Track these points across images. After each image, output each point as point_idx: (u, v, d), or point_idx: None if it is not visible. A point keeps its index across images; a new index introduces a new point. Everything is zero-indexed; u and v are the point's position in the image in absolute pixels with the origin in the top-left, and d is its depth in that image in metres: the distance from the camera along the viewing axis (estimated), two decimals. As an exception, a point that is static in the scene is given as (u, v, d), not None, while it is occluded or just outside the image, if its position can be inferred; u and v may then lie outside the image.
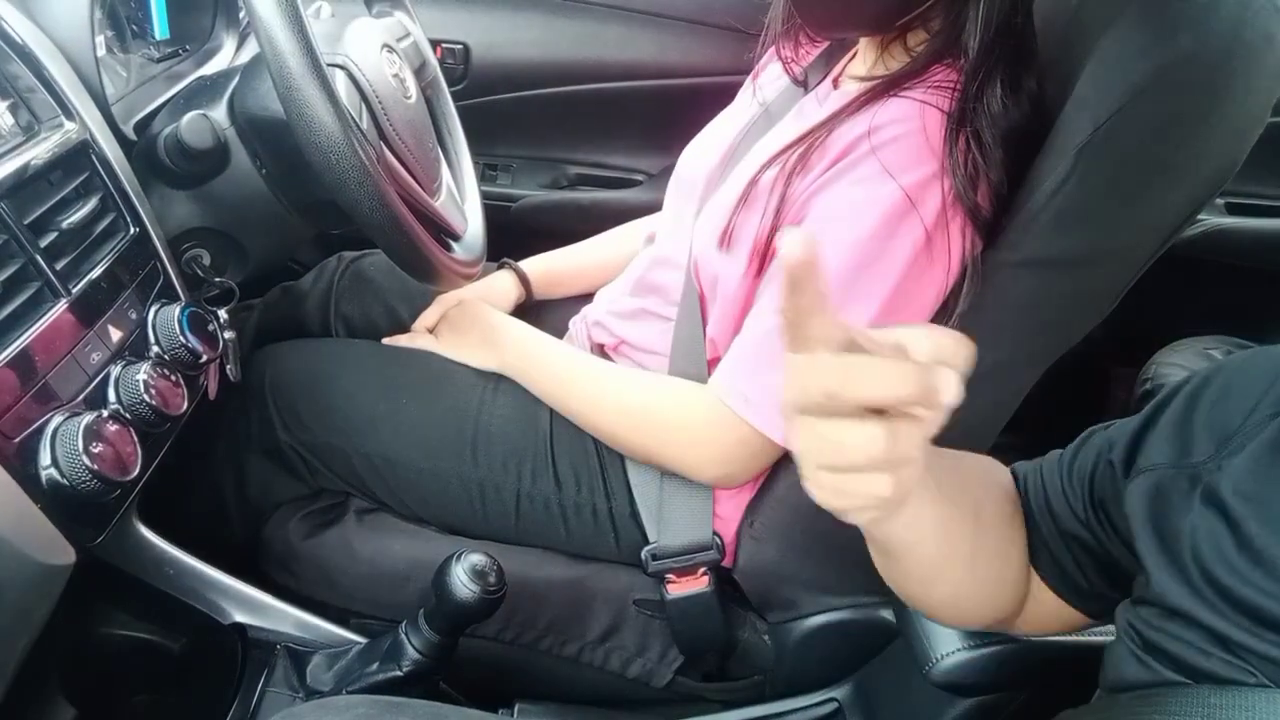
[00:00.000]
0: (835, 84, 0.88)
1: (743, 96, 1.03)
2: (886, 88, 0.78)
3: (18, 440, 0.60)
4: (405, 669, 0.78)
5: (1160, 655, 0.47)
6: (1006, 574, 0.61)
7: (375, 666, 0.80)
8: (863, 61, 0.86)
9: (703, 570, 0.90)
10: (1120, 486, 0.54)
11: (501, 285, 1.12)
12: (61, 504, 0.62)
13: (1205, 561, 0.45)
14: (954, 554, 0.56)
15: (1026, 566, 0.62)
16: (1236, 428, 0.48)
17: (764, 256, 0.81)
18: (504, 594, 0.77)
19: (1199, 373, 0.55)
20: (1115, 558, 0.57)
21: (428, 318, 1.06)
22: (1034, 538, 0.62)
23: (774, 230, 0.80)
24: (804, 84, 0.93)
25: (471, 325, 1.00)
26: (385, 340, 1.05)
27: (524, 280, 1.14)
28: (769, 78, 0.98)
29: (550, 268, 1.16)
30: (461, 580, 0.75)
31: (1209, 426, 0.50)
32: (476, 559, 0.77)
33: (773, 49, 0.99)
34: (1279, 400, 0.48)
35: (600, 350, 1.02)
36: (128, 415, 0.68)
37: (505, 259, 1.16)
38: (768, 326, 0.80)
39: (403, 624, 0.81)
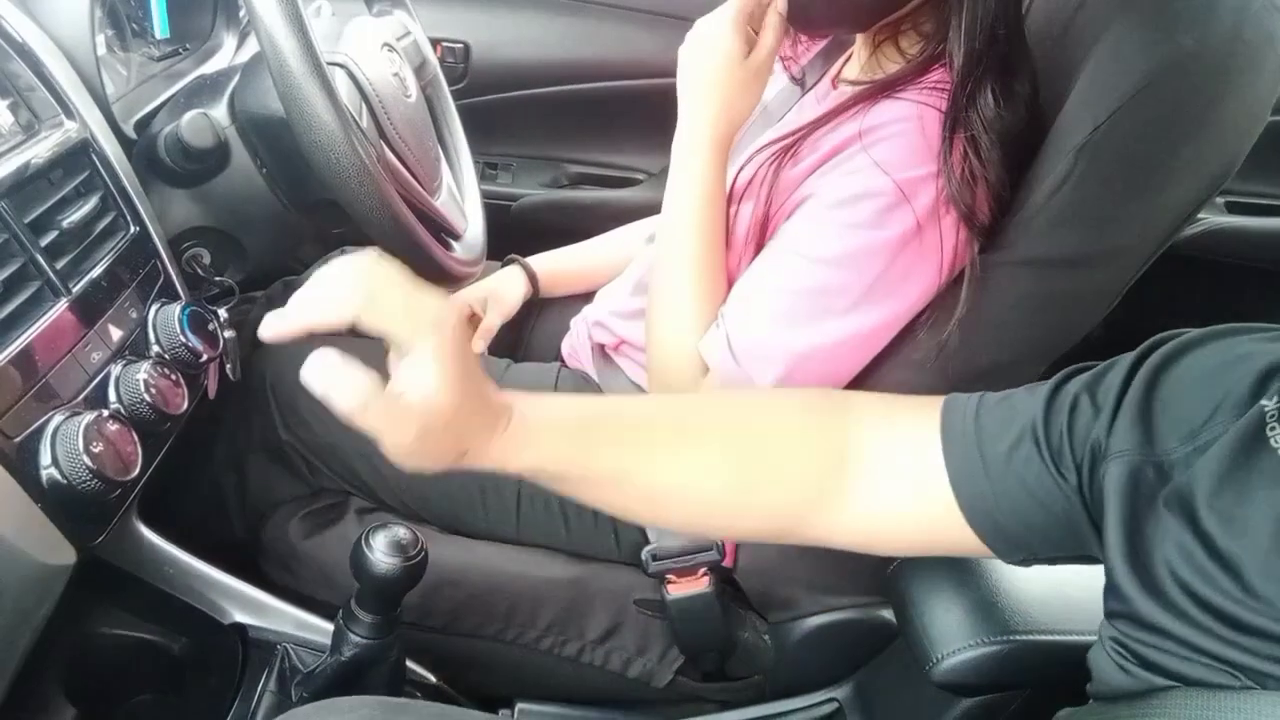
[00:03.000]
0: (834, 84, 0.88)
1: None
2: (880, 90, 0.78)
3: (18, 440, 0.60)
4: (348, 655, 0.78)
5: (1144, 663, 0.47)
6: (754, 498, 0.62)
7: (323, 658, 0.80)
8: (857, 63, 0.87)
9: (703, 570, 0.90)
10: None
11: (511, 281, 1.12)
12: (62, 504, 0.62)
13: (1180, 576, 0.45)
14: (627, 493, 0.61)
15: (815, 483, 0.61)
16: (1202, 423, 0.48)
17: (759, 244, 0.81)
18: (425, 557, 0.76)
19: (1152, 354, 0.53)
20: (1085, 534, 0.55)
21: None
22: (969, 482, 0.58)
23: (766, 216, 0.80)
24: (801, 83, 0.93)
25: None
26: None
27: (532, 277, 1.14)
28: (769, 76, 0.98)
29: (556, 265, 1.16)
30: (380, 556, 0.74)
31: (1171, 418, 0.49)
32: (389, 533, 0.75)
33: None
34: (1243, 400, 0.47)
35: (601, 350, 1.02)
36: (128, 415, 0.68)
37: (513, 255, 1.16)
38: (751, 291, 0.79)
39: (339, 613, 0.80)
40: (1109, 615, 0.50)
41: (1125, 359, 0.55)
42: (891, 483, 0.61)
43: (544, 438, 0.58)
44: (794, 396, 0.68)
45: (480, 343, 1.08)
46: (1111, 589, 0.50)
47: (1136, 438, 0.50)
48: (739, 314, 0.79)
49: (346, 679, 0.78)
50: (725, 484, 0.62)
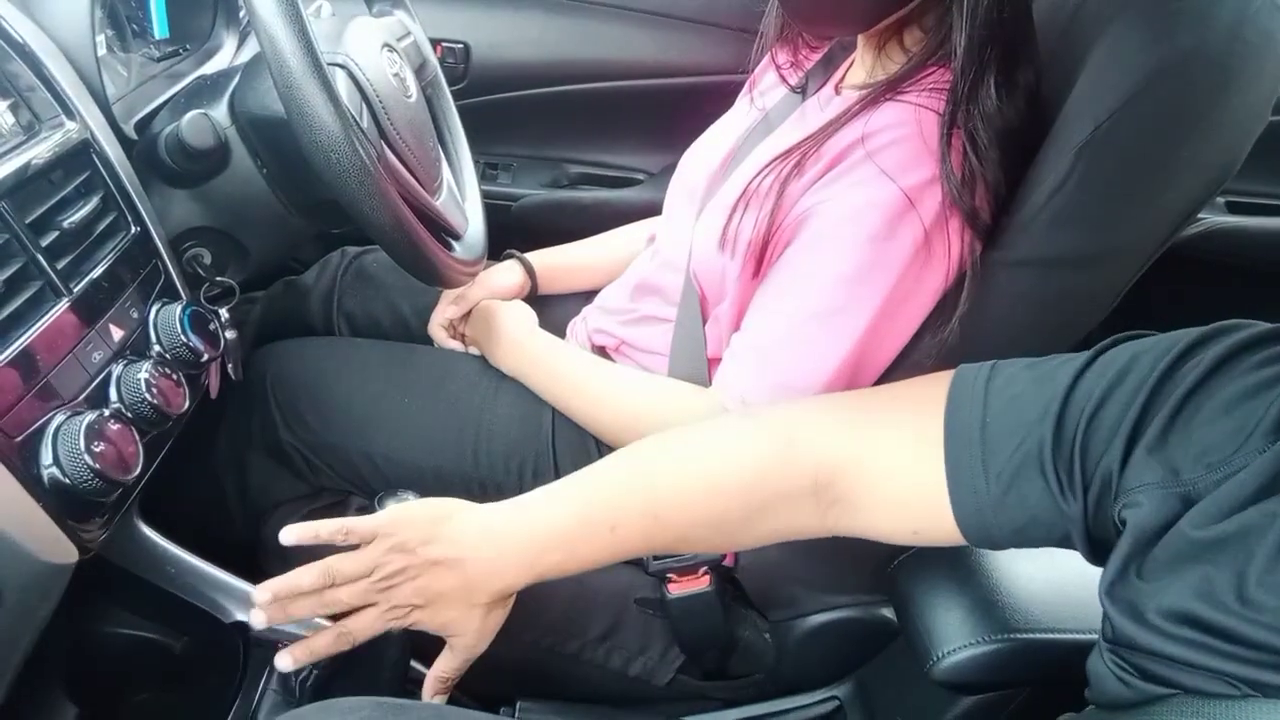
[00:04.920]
0: (837, 90, 0.88)
1: (742, 102, 1.03)
2: (883, 92, 0.78)
3: (19, 439, 0.60)
4: (349, 654, 0.77)
5: (1143, 674, 0.47)
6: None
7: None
8: (861, 66, 0.86)
9: (704, 569, 0.90)
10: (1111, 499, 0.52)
11: (508, 277, 1.12)
12: (63, 503, 0.62)
13: (1184, 603, 0.44)
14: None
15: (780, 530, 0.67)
16: (1233, 451, 0.47)
17: (760, 259, 0.81)
18: None
19: (1194, 354, 0.51)
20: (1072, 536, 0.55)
21: (439, 316, 1.06)
22: (973, 515, 0.58)
23: (770, 233, 0.80)
24: (802, 91, 0.93)
25: (483, 326, 1.00)
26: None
27: (530, 272, 1.14)
28: (769, 83, 0.98)
29: (555, 262, 1.16)
30: None
31: (1200, 445, 0.48)
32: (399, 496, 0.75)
33: (770, 56, 0.98)
34: (1274, 425, 0.46)
35: (601, 351, 1.02)
36: (129, 414, 0.68)
37: (511, 250, 1.15)
38: (765, 328, 0.80)
39: None
40: (1105, 639, 0.50)
41: (1171, 349, 0.52)
42: (892, 508, 0.63)
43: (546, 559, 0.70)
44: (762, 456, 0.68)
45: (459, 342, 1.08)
46: (1108, 620, 0.49)
47: (1160, 471, 0.49)
48: (750, 364, 0.80)
49: (347, 678, 0.78)
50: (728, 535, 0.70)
